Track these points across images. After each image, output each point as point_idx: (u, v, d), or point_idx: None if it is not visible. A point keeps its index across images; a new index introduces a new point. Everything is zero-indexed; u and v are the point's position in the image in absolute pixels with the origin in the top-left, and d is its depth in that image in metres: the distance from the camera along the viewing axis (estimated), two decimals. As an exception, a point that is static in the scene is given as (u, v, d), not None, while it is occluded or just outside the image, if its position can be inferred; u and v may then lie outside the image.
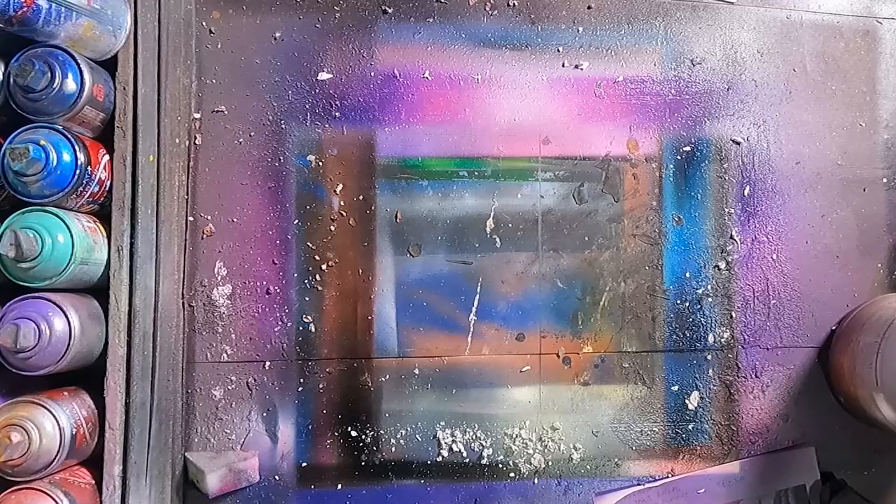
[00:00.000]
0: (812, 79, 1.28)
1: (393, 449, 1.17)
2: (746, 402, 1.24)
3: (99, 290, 1.01)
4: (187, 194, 1.14)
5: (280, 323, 1.16)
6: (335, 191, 1.18)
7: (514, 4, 1.22)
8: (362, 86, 1.19)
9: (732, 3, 1.27)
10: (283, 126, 1.18)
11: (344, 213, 1.18)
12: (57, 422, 0.92)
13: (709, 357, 1.24)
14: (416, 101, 1.20)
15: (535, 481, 1.19)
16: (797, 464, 1.24)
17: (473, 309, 1.20)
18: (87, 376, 1.01)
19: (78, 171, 0.95)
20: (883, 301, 1.24)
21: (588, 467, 1.21)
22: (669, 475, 1.22)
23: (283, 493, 1.15)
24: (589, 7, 1.24)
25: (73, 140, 0.95)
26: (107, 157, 1.01)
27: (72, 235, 0.94)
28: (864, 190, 1.28)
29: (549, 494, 1.20)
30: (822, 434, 1.25)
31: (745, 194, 1.26)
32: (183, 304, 1.13)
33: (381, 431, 1.17)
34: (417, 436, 1.18)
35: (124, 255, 1.02)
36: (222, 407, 1.14)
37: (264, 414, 1.15)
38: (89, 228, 0.98)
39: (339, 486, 1.16)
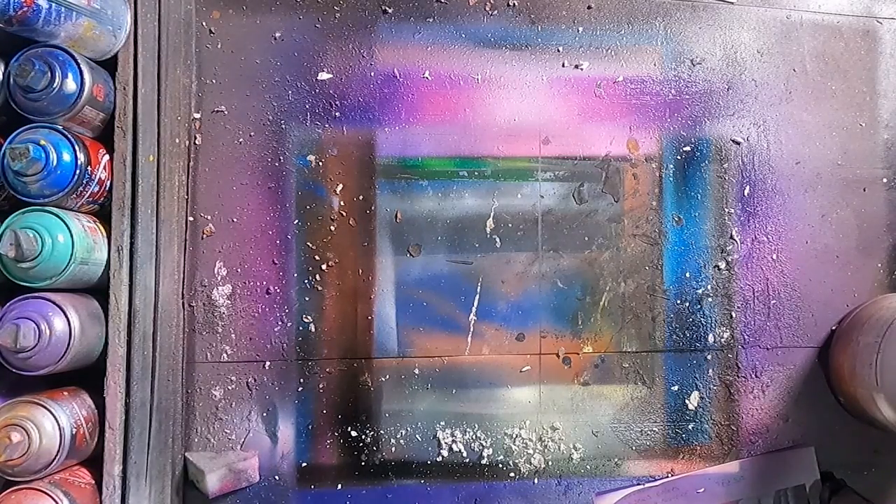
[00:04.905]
0: (812, 79, 1.28)
1: (393, 449, 1.17)
2: (746, 402, 1.24)
3: (99, 290, 1.01)
4: (187, 194, 1.14)
5: (280, 323, 1.16)
6: (335, 191, 1.18)
7: (514, 4, 1.22)
8: (362, 86, 1.19)
9: (732, 3, 1.27)
10: (283, 126, 1.18)
11: (344, 213, 1.18)
12: (57, 422, 0.92)
13: (709, 357, 1.24)
14: (416, 101, 1.20)
15: (535, 481, 1.19)
16: (797, 464, 1.24)
17: (473, 309, 1.20)
18: (87, 376, 1.01)
19: (78, 171, 0.95)
20: (883, 301, 1.24)
21: (588, 467, 1.21)
22: (669, 475, 1.22)
23: (283, 493, 1.15)
24: (589, 7, 1.24)
25: (73, 140, 0.95)
26: (107, 157, 1.01)
27: (72, 235, 0.94)
28: (864, 190, 1.29)
29: (549, 494, 1.20)
30: (822, 434, 1.25)
31: (745, 194, 1.26)
32: (183, 304, 1.13)
33: (381, 431, 1.17)
34: (417, 436, 1.18)
35: (124, 255, 1.02)
36: (222, 407, 1.15)
37: (264, 414, 1.15)
38: (89, 228, 0.98)
39: (339, 486, 1.16)
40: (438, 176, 1.20)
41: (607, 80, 1.24)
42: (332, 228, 1.18)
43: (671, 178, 1.25)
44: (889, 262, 1.28)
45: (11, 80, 0.93)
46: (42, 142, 0.92)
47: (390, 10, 1.20)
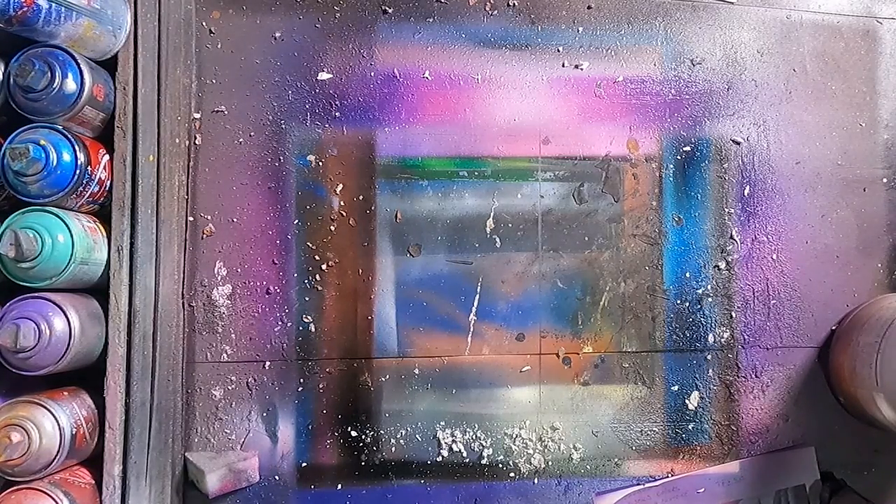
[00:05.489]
0: (812, 79, 1.28)
1: (393, 449, 1.17)
2: (746, 402, 1.24)
3: (99, 290, 1.01)
4: (187, 194, 1.14)
5: (280, 323, 1.16)
6: (335, 191, 1.18)
7: (514, 4, 1.22)
8: (362, 86, 1.19)
9: (732, 3, 1.27)
10: (283, 126, 1.18)
11: (344, 213, 1.18)
12: (57, 422, 0.92)
13: (709, 357, 1.24)
14: (416, 101, 1.20)
15: (535, 481, 1.19)
16: (797, 464, 1.24)
17: (473, 309, 1.20)
18: (87, 376, 1.01)
19: (78, 171, 0.95)
20: (883, 301, 1.24)
21: (588, 467, 1.21)
22: (669, 475, 1.22)
23: (283, 493, 1.15)
24: (589, 7, 1.24)
25: (73, 140, 0.95)
26: (107, 157, 1.01)
27: (72, 235, 0.94)
28: (864, 190, 1.29)
29: (549, 494, 1.20)
30: (822, 434, 1.25)
31: (745, 194, 1.26)
32: (183, 304, 1.13)
33: (381, 431, 1.17)
34: (417, 436, 1.18)
35: (124, 255, 1.02)
36: (222, 407, 1.14)
37: (264, 414, 1.15)
38: (89, 228, 0.98)
39: (339, 486, 1.16)
40: (438, 176, 1.20)
41: (607, 80, 1.24)
42: (332, 228, 1.18)
43: (671, 178, 1.25)
44: (889, 262, 1.28)
45: (11, 80, 0.93)
46: (42, 142, 0.92)
47: (390, 10, 1.20)
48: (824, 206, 1.27)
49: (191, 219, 1.15)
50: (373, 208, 1.19)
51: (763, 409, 1.24)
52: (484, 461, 1.19)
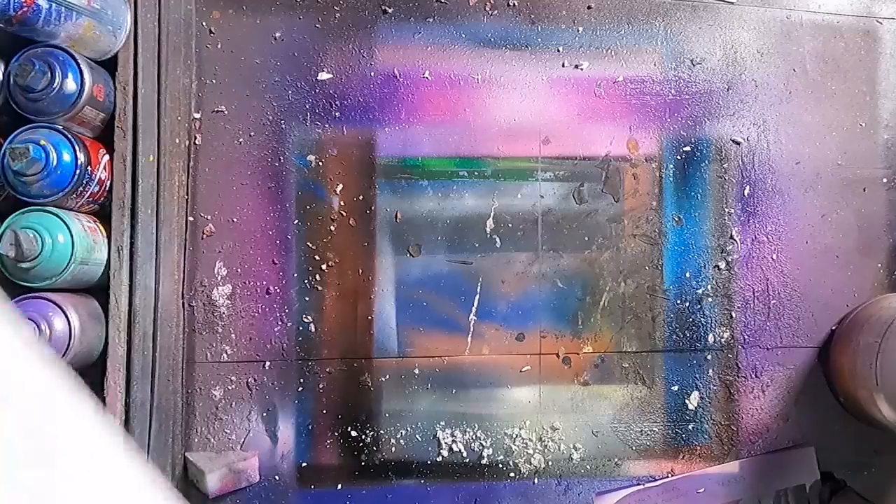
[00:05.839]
0: (812, 79, 1.28)
1: (393, 449, 1.17)
2: (746, 402, 1.24)
3: (99, 290, 1.01)
4: (187, 194, 1.14)
5: (280, 323, 1.16)
6: (335, 191, 1.18)
7: (514, 4, 1.22)
8: (362, 86, 1.19)
9: (732, 3, 1.27)
10: (283, 126, 1.18)
11: (344, 213, 1.18)
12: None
13: (709, 357, 1.24)
14: (416, 101, 1.20)
15: (535, 481, 1.19)
16: (797, 464, 1.24)
17: (473, 309, 1.20)
18: (87, 376, 1.01)
19: (78, 171, 0.95)
20: (883, 301, 1.24)
21: (588, 467, 1.21)
22: (669, 475, 1.22)
23: (283, 493, 1.15)
24: (589, 7, 1.24)
25: (73, 140, 0.95)
26: (107, 157, 1.01)
27: (72, 235, 0.94)
28: (864, 190, 1.28)
29: (549, 494, 1.20)
30: (822, 434, 1.25)
31: (745, 194, 1.26)
32: (183, 304, 1.13)
33: (381, 431, 1.17)
34: (417, 436, 1.18)
35: (124, 255, 1.02)
36: (222, 407, 1.14)
37: (264, 414, 1.15)
38: (89, 228, 0.98)
39: (339, 486, 1.16)
40: (438, 176, 1.20)
41: (607, 80, 1.24)
42: (332, 228, 1.18)
43: (671, 178, 1.25)
44: (889, 262, 1.28)
45: (11, 80, 0.92)
46: (42, 142, 0.92)
47: (390, 10, 1.20)
48: (824, 206, 1.27)
49: (191, 219, 1.15)
50: (373, 208, 1.19)
51: (763, 409, 1.24)
52: (484, 461, 1.19)
